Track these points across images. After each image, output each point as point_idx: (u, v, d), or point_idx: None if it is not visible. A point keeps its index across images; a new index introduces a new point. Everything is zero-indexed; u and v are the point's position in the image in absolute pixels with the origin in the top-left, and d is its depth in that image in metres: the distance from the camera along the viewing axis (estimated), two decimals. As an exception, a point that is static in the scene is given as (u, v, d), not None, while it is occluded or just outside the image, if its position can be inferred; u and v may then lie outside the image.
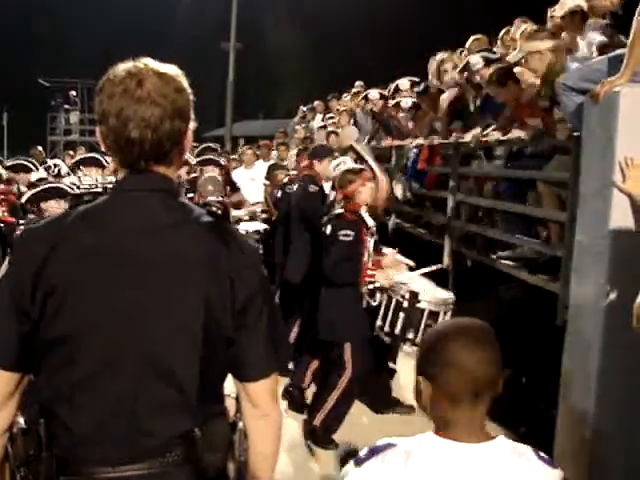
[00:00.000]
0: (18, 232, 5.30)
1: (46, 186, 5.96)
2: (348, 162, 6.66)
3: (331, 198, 6.57)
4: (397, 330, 5.68)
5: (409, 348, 5.79)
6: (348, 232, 5.44)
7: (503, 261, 5.92)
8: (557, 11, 5.90)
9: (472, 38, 8.25)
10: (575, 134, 4.70)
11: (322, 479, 5.14)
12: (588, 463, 4.15)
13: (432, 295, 5.66)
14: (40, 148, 13.62)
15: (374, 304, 5.66)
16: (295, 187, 7.67)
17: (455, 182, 7.06)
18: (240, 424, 2.08)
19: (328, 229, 5.55)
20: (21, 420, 1.94)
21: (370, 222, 5.64)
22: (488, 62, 6.92)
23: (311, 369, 6.27)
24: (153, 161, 1.88)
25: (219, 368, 1.96)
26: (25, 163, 9.15)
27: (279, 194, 8.41)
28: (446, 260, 7.09)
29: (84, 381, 1.81)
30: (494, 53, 7.27)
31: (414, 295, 5.56)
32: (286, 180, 8.55)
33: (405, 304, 5.59)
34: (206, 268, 1.86)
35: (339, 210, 5.65)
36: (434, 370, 1.80)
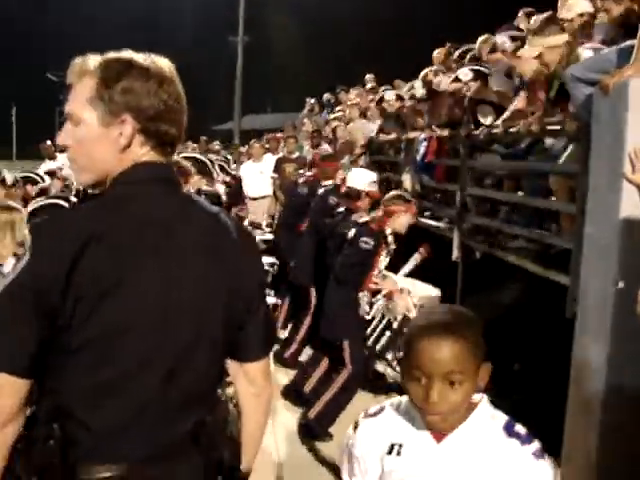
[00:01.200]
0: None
1: (46, 202, 5.81)
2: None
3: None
4: (378, 347, 5.76)
5: (382, 368, 5.85)
6: (369, 240, 5.51)
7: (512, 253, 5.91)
8: (564, 13, 5.80)
9: (480, 39, 8.17)
10: (585, 125, 4.67)
11: (321, 471, 5.16)
12: (598, 457, 4.14)
13: None
14: (49, 142, 13.63)
15: (367, 318, 5.74)
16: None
17: (464, 174, 7.04)
18: (230, 405, 2.14)
19: (351, 232, 5.62)
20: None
21: (391, 242, 5.73)
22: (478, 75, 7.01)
23: (318, 374, 6.27)
24: (174, 148, 1.97)
25: (226, 353, 2.04)
26: (31, 175, 8.93)
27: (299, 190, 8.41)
28: (455, 252, 7.07)
29: (115, 381, 1.79)
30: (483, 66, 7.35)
31: (407, 320, 5.64)
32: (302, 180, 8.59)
33: (395, 325, 5.67)
34: (223, 258, 1.91)
35: (366, 218, 5.70)
36: None
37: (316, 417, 5.57)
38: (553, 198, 5.54)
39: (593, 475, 4.14)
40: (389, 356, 5.75)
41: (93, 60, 1.89)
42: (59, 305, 1.71)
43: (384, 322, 5.80)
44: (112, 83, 1.84)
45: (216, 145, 16.99)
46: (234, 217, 2.08)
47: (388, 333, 5.76)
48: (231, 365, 2.09)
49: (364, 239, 5.52)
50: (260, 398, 2.13)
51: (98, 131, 1.86)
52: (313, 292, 7.13)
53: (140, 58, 1.89)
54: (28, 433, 1.86)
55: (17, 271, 1.76)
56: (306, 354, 7.07)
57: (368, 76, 13.72)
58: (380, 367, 5.88)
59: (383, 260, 5.76)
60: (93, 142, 1.87)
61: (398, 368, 5.85)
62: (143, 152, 1.89)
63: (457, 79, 7.55)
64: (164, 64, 1.91)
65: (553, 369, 5.01)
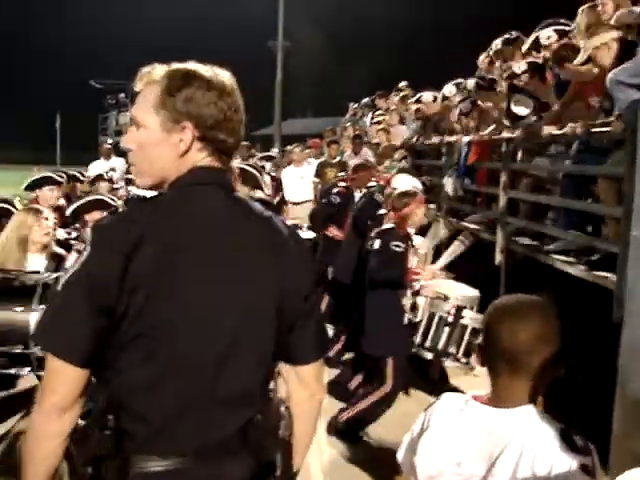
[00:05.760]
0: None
1: (90, 198, 6.02)
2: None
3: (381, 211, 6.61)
4: (440, 345, 5.76)
5: (451, 363, 5.84)
6: (399, 243, 5.51)
7: (556, 256, 5.84)
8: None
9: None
10: (630, 128, 4.61)
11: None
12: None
13: (475, 313, 5.87)
14: (110, 141, 13.84)
15: (416, 320, 5.73)
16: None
17: (506, 178, 6.99)
18: (282, 407, 2.17)
19: (376, 243, 5.61)
20: (79, 420, 1.94)
21: (416, 241, 5.74)
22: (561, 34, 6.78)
23: (357, 380, 6.25)
24: (231, 156, 2.04)
25: (278, 354, 2.06)
26: (52, 176, 7.68)
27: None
28: (498, 257, 7.03)
29: (164, 375, 1.85)
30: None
31: (459, 310, 5.65)
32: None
33: (450, 319, 5.68)
34: (277, 259, 1.97)
35: (390, 225, 5.70)
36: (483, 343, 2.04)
37: (346, 421, 5.60)
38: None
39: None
40: (452, 350, 5.76)
41: (160, 69, 1.97)
42: (114, 300, 1.79)
43: (436, 319, 5.79)
44: (175, 92, 1.92)
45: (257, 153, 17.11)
46: (289, 223, 2.14)
47: (447, 329, 5.75)
48: (284, 367, 2.12)
49: (395, 243, 5.53)
50: (312, 400, 2.17)
51: (160, 136, 1.95)
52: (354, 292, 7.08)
53: (203, 70, 1.97)
54: (84, 424, 1.93)
55: (75, 266, 1.85)
56: (349, 355, 7.13)
57: (402, 84, 13.61)
58: (448, 362, 5.90)
59: (411, 260, 5.79)
60: (154, 146, 1.96)
61: (464, 359, 5.88)
62: (200, 158, 1.98)
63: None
64: (225, 76, 2.00)
65: (599, 374, 4.96)
